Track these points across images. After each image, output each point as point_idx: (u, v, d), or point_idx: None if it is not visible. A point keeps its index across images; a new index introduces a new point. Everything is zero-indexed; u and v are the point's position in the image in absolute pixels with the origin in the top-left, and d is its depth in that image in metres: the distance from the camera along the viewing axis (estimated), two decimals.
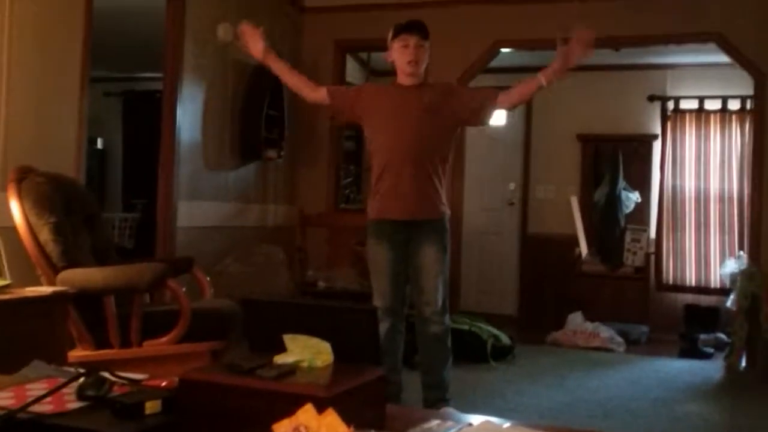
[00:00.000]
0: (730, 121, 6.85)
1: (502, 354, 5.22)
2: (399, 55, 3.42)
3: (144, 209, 7.09)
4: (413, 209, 3.44)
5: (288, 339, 2.65)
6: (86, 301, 3.10)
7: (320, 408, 1.92)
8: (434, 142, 3.45)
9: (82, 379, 1.95)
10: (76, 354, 3.12)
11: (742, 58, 5.45)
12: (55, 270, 3.13)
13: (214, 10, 5.22)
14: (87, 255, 3.36)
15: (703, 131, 6.92)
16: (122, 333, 3.14)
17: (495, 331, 5.30)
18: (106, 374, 2.14)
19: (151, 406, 1.83)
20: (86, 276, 3.12)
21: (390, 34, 3.46)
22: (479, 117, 3.53)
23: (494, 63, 6.09)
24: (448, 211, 3.57)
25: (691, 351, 5.79)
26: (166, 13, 4.88)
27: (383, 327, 3.30)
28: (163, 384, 2.22)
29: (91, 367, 2.42)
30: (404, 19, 5.92)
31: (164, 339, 3.16)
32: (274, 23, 5.98)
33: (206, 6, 5.12)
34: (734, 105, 6.80)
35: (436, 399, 3.49)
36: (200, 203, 5.13)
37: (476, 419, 1.58)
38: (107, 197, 8.06)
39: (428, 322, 3.45)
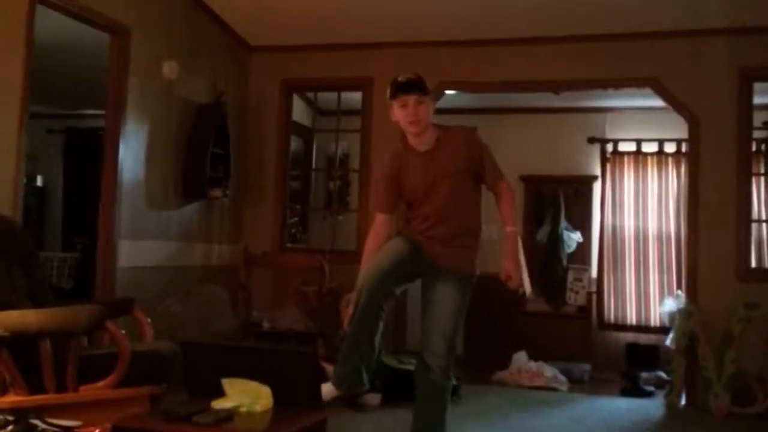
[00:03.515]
0: (667, 163, 7.06)
1: None
2: (400, 115, 3.31)
3: (84, 249, 6.94)
4: (442, 256, 3.34)
5: (227, 383, 2.62)
6: (20, 344, 3.00)
7: None
8: (459, 203, 3.35)
9: (10, 428, 1.88)
10: (7, 399, 3.01)
11: (676, 103, 5.63)
12: None
13: (159, 48, 5.20)
14: (22, 296, 3.27)
15: (641, 173, 7.12)
16: (58, 377, 3.04)
17: None
18: (37, 421, 2.08)
19: None
20: (21, 318, 3.03)
21: (388, 93, 3.34)
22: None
23: (439, 104, 6.19)
24: (476, 272, 3.39)
25: (632, 389, 5.86)
26: (110, 50, 4.84)
27: (361, 303, 3.14)
28: (96, 431, 2.17)
29: (22, 414, 2.35)
30: (352, 61, 6.10)
31: (102, 383, 3.07)
32: (220, 62, 5.99)
33: (151, 43, 5.09)
34: (670, 147, 7.02)
35: None
36: (142, 243, 5.05)
37: None
38: (46, 236, 7.87)
39: (430, 371, 3.28)
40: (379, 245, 3.38)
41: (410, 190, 3.38)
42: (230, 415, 2.33)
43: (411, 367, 5.14)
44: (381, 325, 3.30)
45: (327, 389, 3.22)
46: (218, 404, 2.48)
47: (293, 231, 6.89)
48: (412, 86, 3.28)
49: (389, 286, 3.27)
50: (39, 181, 8.04)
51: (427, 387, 3.32)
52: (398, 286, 3.36)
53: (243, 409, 2.44)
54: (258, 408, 2.47)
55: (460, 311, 3.30)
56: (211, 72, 5.86)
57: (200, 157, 5.51)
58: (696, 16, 5.29)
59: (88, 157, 6.97)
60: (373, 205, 3.54)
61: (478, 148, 3.38)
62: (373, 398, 4.87)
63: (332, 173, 7.50)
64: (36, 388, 3.05)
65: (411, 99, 3.27)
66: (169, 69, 5.23)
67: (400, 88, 3.29)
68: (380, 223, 3.47)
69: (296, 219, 7.07)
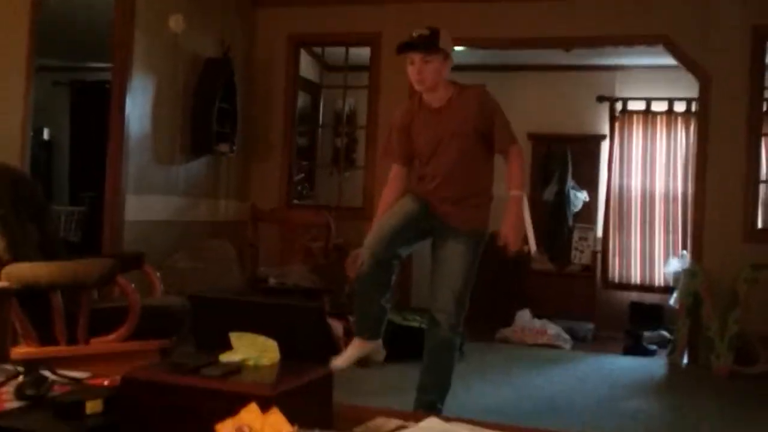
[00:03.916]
0: (676, 122, 7.01)
1: None
2: (408, 72, 3.28)
3: (91, 202, 6.96)
4: (449, 214, 3.33)
5: (234, 337, 2.64)
6: (32, 296, 3.03)
7: (265, 407, 1.92)
8: (468, 164, 3.32)
9: (20, 378, 1.92)
10: (19, 351, 3.06)
11: (687, 61, 5.57)
12: (0, 264, 3.06)
13: (166, 1, 5.14)
14: (34, 249, 3.29)
15: (649, 132, 7.07)
16: (69, 330, 3.08)
17: None
18: (47, 372, 2.11)
19: (92, 406, 1.81)
20: (32, 271, 3.06)
21: (397, 47, 3.30)
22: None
23: None
24: (487, 230, 3.38)
25: (635, 348, 5.91)
26: (115, 3, 4.79)
27: (363, 263, 3.17)
28: (106, 383, 2.19)
29: (31, 365, 2.38)
30: (360, 16, 6.03)
31: (112, 336, 3.12)
32: (226, 17, 5.94)
33: None
34: (680, 107, 6.96)
35: (429, 402, 3.36)
36: (149, 197, 5.06)
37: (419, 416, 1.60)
38: (54, 189, 7.89)
39: (438, 326, 3.31)
40: (395, 197, 3.39)
41: (419, 146, 3.37)
42: (238, 368, 2.35)
43: (415, 324, 5.20)
44: (390, 284, 3.33)
45: (346, 357, 3.26)
46: (226, 357, 2.50)
47: (300, 187, 6.89)
48: (419, 44, 3.23)
49: (397, 246, 3.28)
50: (45, 134, 8.03)
51: (435, 342, 3.35)
52: (408, 246, 3.37)
53: (250, 363, 2.46)
54: (265, 361, 2.49)
55: (469, 269, 3.31)
56: (218, 26, 5.81)
57: (207, 111, 5.49)
58: None
59: (94, 110, 6.95)
60: (386, 153, 3.52)
61: (490, 108, 3.32)
62: (378, 354, 4.92)
63: (339, 129, 7.48)
64: (47, 340, 3.10)
65: (417, 57, 3.23)
66: (175, 23, 5.18)
67: (406, 46, 3.25)
68: (396, 175, 3.47)
69: (303, 175, 7.07)
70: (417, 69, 3.24)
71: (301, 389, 2.28)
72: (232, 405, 1.93)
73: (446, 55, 3.28)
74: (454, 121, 3.30)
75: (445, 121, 3.30)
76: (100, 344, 3.13)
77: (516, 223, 3.22)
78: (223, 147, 5.68)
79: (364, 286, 3.27)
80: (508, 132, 3.34)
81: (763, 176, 5.82)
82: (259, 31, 6.34)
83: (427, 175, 3.37)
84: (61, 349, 3.07)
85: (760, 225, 5.61)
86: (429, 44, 3.23)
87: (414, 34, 3.26)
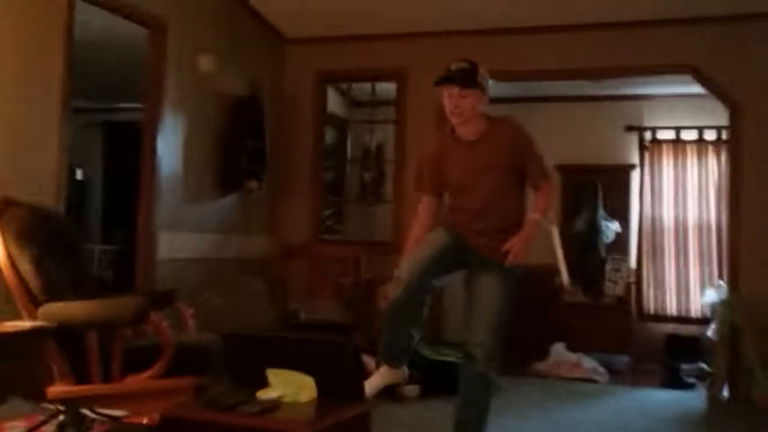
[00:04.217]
0: (707, 151, 6.94)
1: None
2: (445, 103, 3.29)
3: (123, 241, 7.03)
4: (485, 245, 3.30)
5: (271, 373, 2.63)
6: (67, 335, 3.05)
7: None
8: (502, 197, 3.32)
9: (61, 417, 1.92)
10: (55, 390, 3.06)
11: (717, 90, 5.54)
12: (36, 303, 3.08)
13: (196, 42, 5.23)
14: (68, 288, 3.31)
15: (680, 161, 7.01)
16: (103, 368, 3.09)
17: None
18: (87, 411, 2.11)
19: None
20: (68, 310, 3.08)
21: (436, 79, 3.32)
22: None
23: None
24: (522, 263, 3.33)
25: (673, 381, 5.80)
26: (147, 44, 4.88)
27: (393, 295, 3.15)
28: (144, 421, 2.19)
29: (71, 404, 2.38)
30: (386, 51, 6.08)
31: (146, 374, 3.11)
32: (254, 55, 6.02)
33: (188, 37, 5.12)
34: (710, 135, 6.90)
35: None
36: (181, 234, 5.09)
37: None
38: (87, 229, 7.98)
39: (475, 361, 3.27)
40: (425, 230, 3.38)
41: (452, 179, 3.36)
42: (275, 405, 2.34)
43: (449, 359, 5.15)
44: (422, 316, 3.30)
45: (371, 385, 3.22)
46: (263, 394, 2.49)
47: (329, 222, 6.90)
48: (458, 78, 3.24)
49: (431, 276, 3.25)
50: (79, 175, 8.16)
51: (471, 378, 3.31)
52: (441, 278, 3.33)
53: (287, 399, 2.45)
54: (302, 398, 2.48)
55: (506, 302, 3.28)
56: (247, 65, 5.89)
57: (236, 149, 5.54)
58: (738, 1, 5.19)
59: (126, 150, 7.04)
60: (417, 186, 3.51)
61: (523, 141, 3.32)
62: (412, 389, 4.88)
63: (367, 164, 7.50)
64: (82, 378, 3.11)
65: (455, 90, 3.24)
66: (207, 63, 5.26)
67: (446, 79, 3.26)
68: (426, 207, 3.46)
69: (332, 210, 7.09)
70: (455, 102, 3.24)
71: (340, 426, 2.26)
72: None
73: (483, 89, 3.30)
74: (487, 154, 3.28)
75: (479, 155, 3.29)
76: (135, 382, 3.13)
77: (526, 239, 3.22)
78: (253, 184, 5.71)
79: (394, 314, 3.23)
80: (542, 167, 3.35)
81: None
82: (287, 68, 6.41)
83: (461, 208, 3.36)
84: (97, 388, 3.07)
85: None
86: (468, 78, 3.25)
87: (453, 67, 3.27)
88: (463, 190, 3.34)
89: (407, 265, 3.24)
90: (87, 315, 3.05)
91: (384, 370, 3.34)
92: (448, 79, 3.25)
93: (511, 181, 3.32)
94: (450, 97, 3.25)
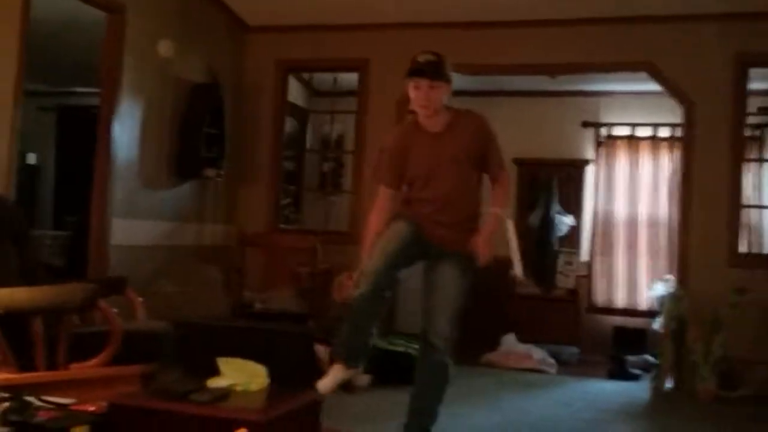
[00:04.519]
0: (660, 148, 7.07)
1: None
2: (413, 96, 3.30)
3: (76, 227, 6.93)
4: (444, 237, 3.33)
5: (222, 362, 2.63)
6: (11, 321, 3.00)
7: None
8: (464, 188, 3.36)
9: (5, 404, 1.90)
10: None
11: (671, 87, 5.64)
12: None
13: (155, 27, 5.17)
14: (14, 274, 3.26)
15: (634, 157, 7.13)
16: (49, 355, 3.04)
17: None
18: (32, 398, 2.09)
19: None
20: (11, 295, 3.03)
21: (406, 71, 3.31)
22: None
23: None
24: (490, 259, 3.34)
25: (619, 372, 5.91)
26: (106, 28, 4.81)
27: (361, 290, 3.14)
28: (92, 409, 2.18)
29: (16, 391, 2.36)
30: (348, 42, 6.07)
31: (93, 361, 3.08)
32: (215, 42, 5.97)
33: (147, 22, 5.06)
34: (664, 132, 7.03)
35: (423, 427, 3.38)
36: (136, 222, 5.05)
37: None
38: (38, 214, 7.84)
39: (436, 351, 3.32)
40: (383, 222, 3.38)
41: (414, 169, 3.36)
42: (226, 393, 2.35)
43: (401, 349, 5.20)
44: (383, 312, 3.33)
45: (325, 385, 3.21)
46: (214, 383, 2.49)
47: (286, 211, 6.89)
48: (427, 71, 3.25)
49: (397, 271, 3.28)
50: (31, 159, 8.00)
51: (431, 367, 3.35)
52: (402, 271, 3.35)
53: (239, 388, 2.46)
54: (254, 387, 2.49)
55: (463, 293, 3.33)
56: (207, 51, 5.84)
57: (195, 136, 5.51)
58: (693, 1, 5.29)
59: (80, 135, 6.94)
60: (377, 178, 3.50)
61: (487, 135, 3.37)
62: (364, 379, 4.90)
63: (326, 154, 7.49)
64: (26, 365, 3.06)
65: (424, 83, 3.24)
66: (165, 48, 5.20)
67: (416, 71, 3.26)
68: (384, 199, 3.45)
69: (290, 200, 7.07)
70: (424, 94, 3.25)
71: (291, 415, 2.28)
72: (222, 431, 1.93)
73: (449, 81, 3.32)
74: (454, 146, 3.31)
75: (445, 146, 3.31)
76: (81, 369, 3.09)
77: (489, 237, 3.27)
78: (211, 172, 5.68)
79: (359, 312, 3.22)
80: (501, 159, 3.41)
81: (747, 201, 5.88)
82: (248, 56, 6.37)
83: (424, 199, 3.36)
84: (41, 375, 3.02)
85: (743, 249, 5.66)
86: (437, 71, 3.26)
87: (422, 59, 3.27)
88: (427, 181, 3.35)
89: (375, 259, 3.22)
90: (32, 301, 3.00)
91: (338, 368, 3.28)
92: (418, 71, 3.25)
93: (472, 172, 3.37)
94: (418, 89, 3.25)
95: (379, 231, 3.37)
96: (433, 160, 3.32)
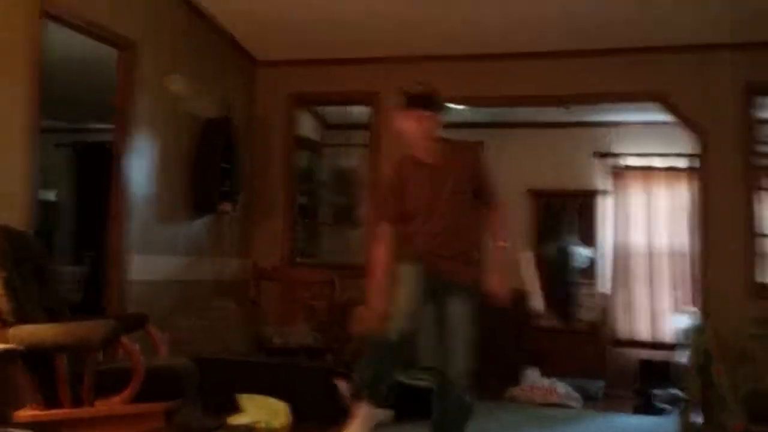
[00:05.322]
0: (676, 178, 7.04)
1: None
2: (411, 128, 3.33)
3: (93, 262, 6.94)
4: (451, 272, 3.34)
5: (243, 399, 2.61)
6: (36, 358, 2.99)
7: None
8: (465, 219, 3.38)
9: None
10: (24, 414, 3.00)
11: (684, 118, 5.63)
12: (4, 325, 3.02)
13: (167, 63, 5.20)
14: (37, 309, 3.25)
15: (650, 188, 7.10)
16: (73, 392, 3.03)
17: None
18: None
19: None
20: (37, 332, 3.02)
21: (400, 103, 3.38)
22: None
23: (447, 118, 6.18)
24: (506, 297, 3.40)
25: (646, 406, 5.82)
26: (117, 65, 4.84)
27: (398, 328, 3.15)
28: None
29: (40, 428, 2.34)
30: (359, 75, 6.10)
31: (117, 398, 3.05)
32: (226, 77, 6.01)
33: (158, 58, 5.10)
34: (679, 162, 7.00)
35: None
36: (152, 257, 5.04)
37: None
38: (59, 250, 7.85)
39: (456, 389, 3.30)
40: (389, 258, 3.37)
41: (414, 202, 3.36)
42: (248, 430, 2.31)
43: (422, 384, 5.13)
44: (410, 349, 3.33)
45: (356, 426, 3.17)
46: (235, 420, 2.47)
47: (302, 245, 6.88)
48: (422, 102, 3.31)
49: (420, 314, 3.28)
50: (51, 196, 8.05)
51: (451, 404, 3.33)
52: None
53: (261, 425, 2.43)
54: (276, 424, 2.46)
55: (475, 325, 3.33)
56: (219, 86, 5.88)
57: (209, 171, 5.51)
58: (703, 32, 5.30)
59: (97, 170, 6.97)
60: (384, 215, 3.49)
61: (482, 167, 3.46)
62: (386, 414, 4.84)
63: (340, 187, 7.50)
64: (51, 402, 3.04)
65: (425, 114, 3.28)
66: (177, 84, 5.24)
67: (414, 102, 3.30)
68: (388, 234, 3.44)
69: (305, 233, 7.07)
70: (425, 126, 3.30)
71: None
72: None
73: (441, 111, 3.41)
74: (452, 177, 3.33)
75: (443, 177, 3.33)
76: (105, 406, 3.07)
77: (501, 272, 3.32)
78: (225, 206, 5.68)
79: (390, 355, 3.23)
80: (494, 187, 3.49)
81: (763, 230, 5.83)
82: (259, 90, 6.41)
83: (424, 232, 3.35)
84: (66, 412, 3.01)
85: (761, 279, 5.60)
86: (434, 102, 3.35)
87: (414, 91, 3.33)
88: (425, 214, 3.34)
89: (406, 305, 3.23)
90: (56, 338, 3.00)
91: (366, 411, 3.24)
92: (415, 100, 3.31)
93: (470, 203, 3.41)
94: (418, 121, 3.30)
95: (389, 267, 3.37)
96: (435, 193, 3.33)
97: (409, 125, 3.33)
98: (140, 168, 4.95)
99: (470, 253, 3.37)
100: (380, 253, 3.44)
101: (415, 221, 3.38)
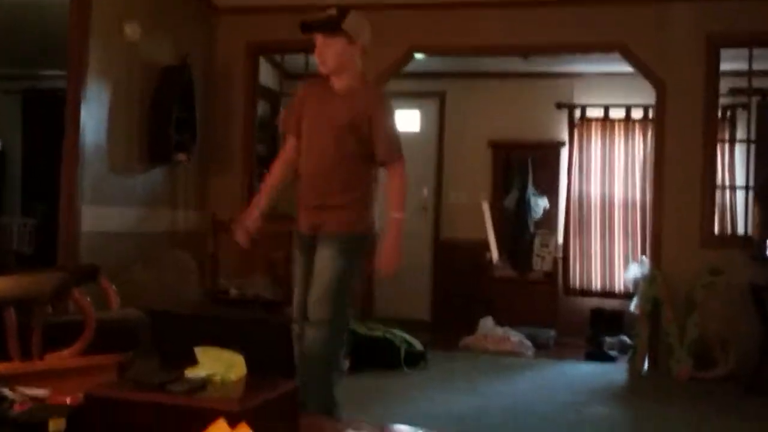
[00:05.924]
0: (634, 129, 7.10)
1: (414, 360, 5.23)
2: (316, 54, 3.11)
3: (44, 214, 6.78)
4: (317, 224, 3.18)
5: (200, 352, 2.57)
6: None
7: (233, 422, 1.87)
8: (343, 160, 3.11)
9: None
10: None
11: (643, 68, 5.65)
12: None
13: (122, 8, 5.05)
14: None
15: (608, 139, 7.15)
16: (23, 345, 2.98)
17: (408, 338, 5.32)
18: (5, 390, 2.03)
19: (55, 424, 1.75)
20: None
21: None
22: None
23: (408, 68, 6.13)
24: (363, 232, 3.17)
25: (596, 354, 5.96)
26: (69, 9, 4.68)
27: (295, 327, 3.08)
28: (68, 400, 2.12)
29: None
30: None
31: (67, 351, 3.02)
32: (184, 25, 5.85)
33: (113, 3, 4.95)
34: (637, 114, 7.05)
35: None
36: (105, 208, 4.95)
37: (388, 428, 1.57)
38: (6, 201, 7.67)
39: (306, 339, 3.12)
40: (283, 174, 3.31)
41: (305, 126, 3.19)
42: (204, 383, 2.29)
43: (379, 334, 5.19)
44: None
45: None
46: (191, 373, 2.44)
47: None
48: (318, 26, 3.08)
49: None
50: None
51: (302, 356, 3.12)
52: None
53: (217, 378, 2.40)
54: (232, 377, 2.43)
55: (340, 278, 3.09)
56: (176, 34, 5.72)
57: (165, 120, 5.40)
58: None
59: (48, 119, 6.79)
60: (283, 126, 3.35)
61: (381, 115, 3.10)
62: (342, 364, 4.87)
63: None
64: (0, 356, 2.99)
65: (319, 39, 3.08)
66: (131, 30, 5.08)
67: (305, 27, 3.10)
68: (289, 149, 3.29)
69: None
70: (318, 51, 3.09)
71: (269, 404, 2.23)
72: (199, 421, 1.88)
73: (351, 38, 3.09)
74: (340, 111, 3.09)
75: (336, 108, 3.10)
76: (55, 360, 3.03)
77: (392, 249, 3.08)
78: (182, 156, 5.58)
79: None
80: (392, 143, 3.13)
81: (720, 182, 5.92)
82: (218, 38, 6.26)
83: (303, 168, 3.18)
84: (15, 366, 2.96)
85: (716, 230, 5.71)
86: (329, 26, 3.06)
87: (309, 18, 3.10)
88: (309, 147, 3.16)
89: (297, 309, 3.22)
90: (4, 291, 2.93)
91: None
92: (309, 25, 3.09)
93: (355, 150, 3.11)
94: (315, 47, 3.10)
95: (276, 184, 3.31)
96: (317, 123, 3.14)
97: (317, 52, 3.10)
98: (93, 116, 4.82)
99: (343, 196, 3.11)
100: (272, 169, 3.33)
101: (302, 149, 3.21)
